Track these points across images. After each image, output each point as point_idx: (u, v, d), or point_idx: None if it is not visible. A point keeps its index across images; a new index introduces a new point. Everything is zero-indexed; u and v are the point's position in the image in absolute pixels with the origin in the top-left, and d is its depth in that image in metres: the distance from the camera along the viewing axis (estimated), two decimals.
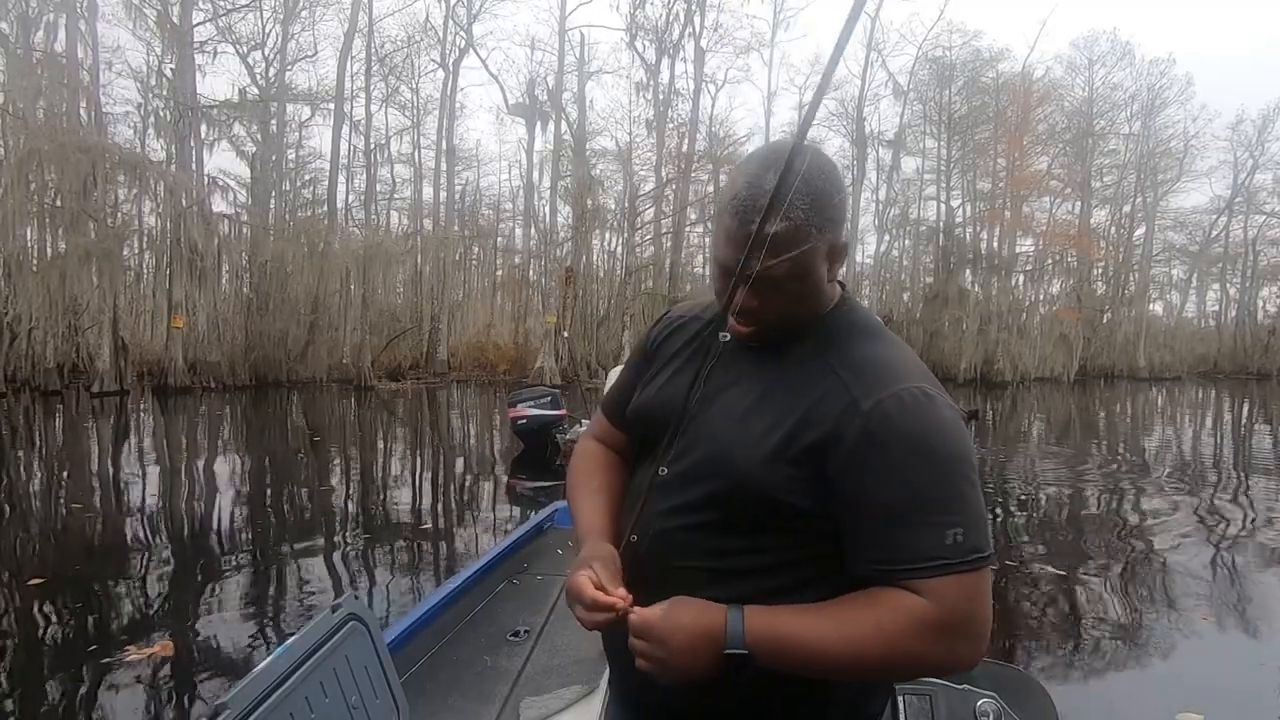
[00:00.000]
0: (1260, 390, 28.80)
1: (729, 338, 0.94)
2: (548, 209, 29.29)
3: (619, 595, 0.88)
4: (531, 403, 9.21)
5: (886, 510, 0.82)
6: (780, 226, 0.83)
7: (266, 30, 25.09)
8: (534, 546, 3.09)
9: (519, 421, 9.15)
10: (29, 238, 16.96)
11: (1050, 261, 33.01)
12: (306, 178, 28.29)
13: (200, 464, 9.23)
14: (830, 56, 0.83)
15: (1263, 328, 39.13)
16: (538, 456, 8.98)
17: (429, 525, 6.45)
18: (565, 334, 24.46)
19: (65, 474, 8.50)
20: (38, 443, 10.75)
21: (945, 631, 0.80)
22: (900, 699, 1.38)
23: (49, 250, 17.27)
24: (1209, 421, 17.98)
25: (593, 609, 0.88)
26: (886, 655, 0.81)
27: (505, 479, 8.55)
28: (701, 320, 1.06)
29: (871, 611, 0.81)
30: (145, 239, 19.68)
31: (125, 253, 18.71)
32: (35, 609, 4.19)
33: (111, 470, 8.69)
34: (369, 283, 22.51)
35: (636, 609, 0.86)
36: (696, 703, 0.92)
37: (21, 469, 8.62)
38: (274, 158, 24.86)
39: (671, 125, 28.47)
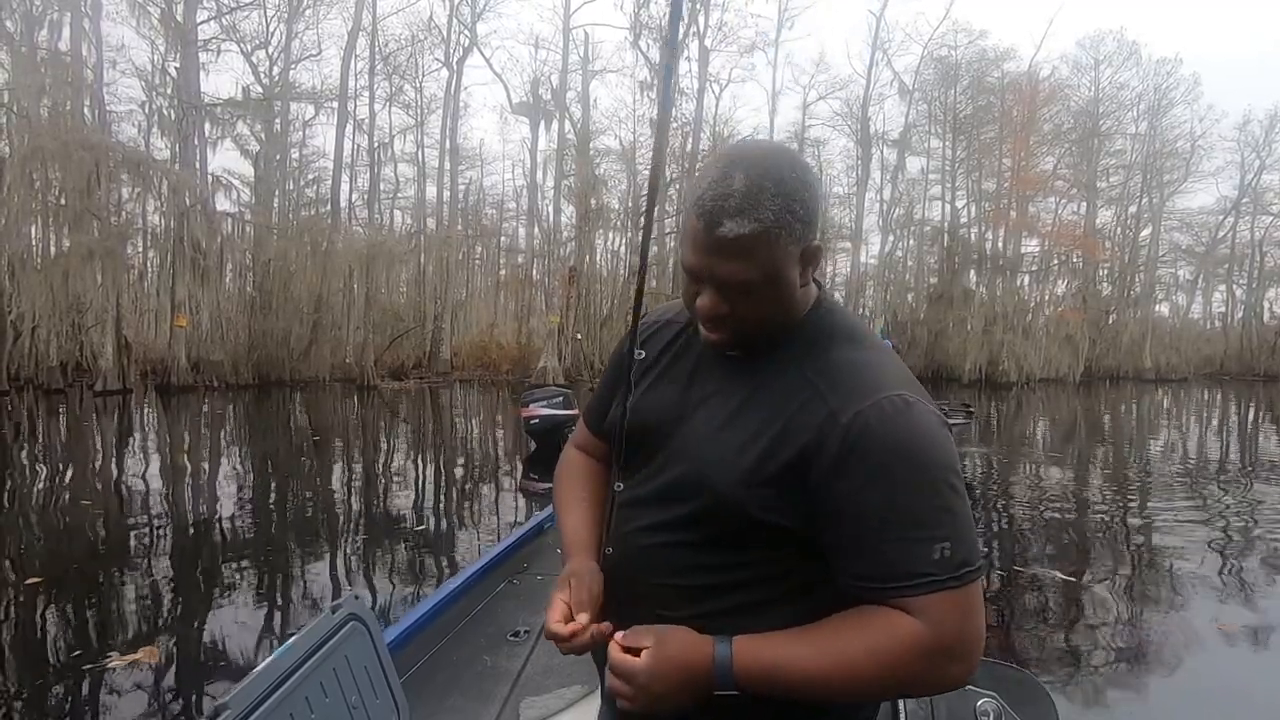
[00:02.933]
0: (1267, 392, 28.68)
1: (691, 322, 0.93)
2: (551, 208, 29.35)
3: (580, 625, 0.88)
4: (544, 403, 9.27)
5: (870, 525, 0.79)
6: (747, 229, 0.79)
7: (270, 29, 25.20)
8: (534, 546, 3.07)
9: (531, 421, 9.19)
10: (33, 236, 17.01)
11: (1055, 262, 32.94)
12: (310, 177, 28.43)
13: (202, 463, 9.24)
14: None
15: (1269, 329, 39.02)
16: (550, 456, 8.99)
17: (430, 525, 6.44)
18: (579, 336, 24.46)
19: (67, 472, 8.51)
20: (40, 441, 10.77)
21: (940, 652, 0.77)
22: (900, 699, 1.38)
23: (52, 249, 17.32)
24: (1216, 423, 17.92)
25: (555, 639, 0.88)
26: (881, 679, 0.79)
27: (509, 479, 8.56)
28: (678, 325, 1.03)
29: (864, 636, 0.79)
30: (149, 238, 19.65)
31: (129, 251, 18.70)
32: (32, 608, 4.18)
33: (113, 469, 8.70)
34: (372, 282, 22.54)
35: (617, 645, 0.83)
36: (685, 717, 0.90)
37: (24, 467, 8.63)
38: (278, 156, 24.92)
39: (675, 124, 28.47)
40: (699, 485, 0.87)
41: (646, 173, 28.83)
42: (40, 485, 7.73)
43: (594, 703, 1.88)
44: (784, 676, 0.79)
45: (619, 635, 0.84)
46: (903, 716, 1.35)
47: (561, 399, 9.34)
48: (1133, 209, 36.22)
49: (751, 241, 0.80)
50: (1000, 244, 33.05)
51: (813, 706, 0.87)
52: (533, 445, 9.57)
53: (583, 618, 0.88)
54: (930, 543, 0.77)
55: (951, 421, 9.54)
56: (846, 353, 0.88)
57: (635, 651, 0.82)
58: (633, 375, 1.04)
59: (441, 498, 7.77)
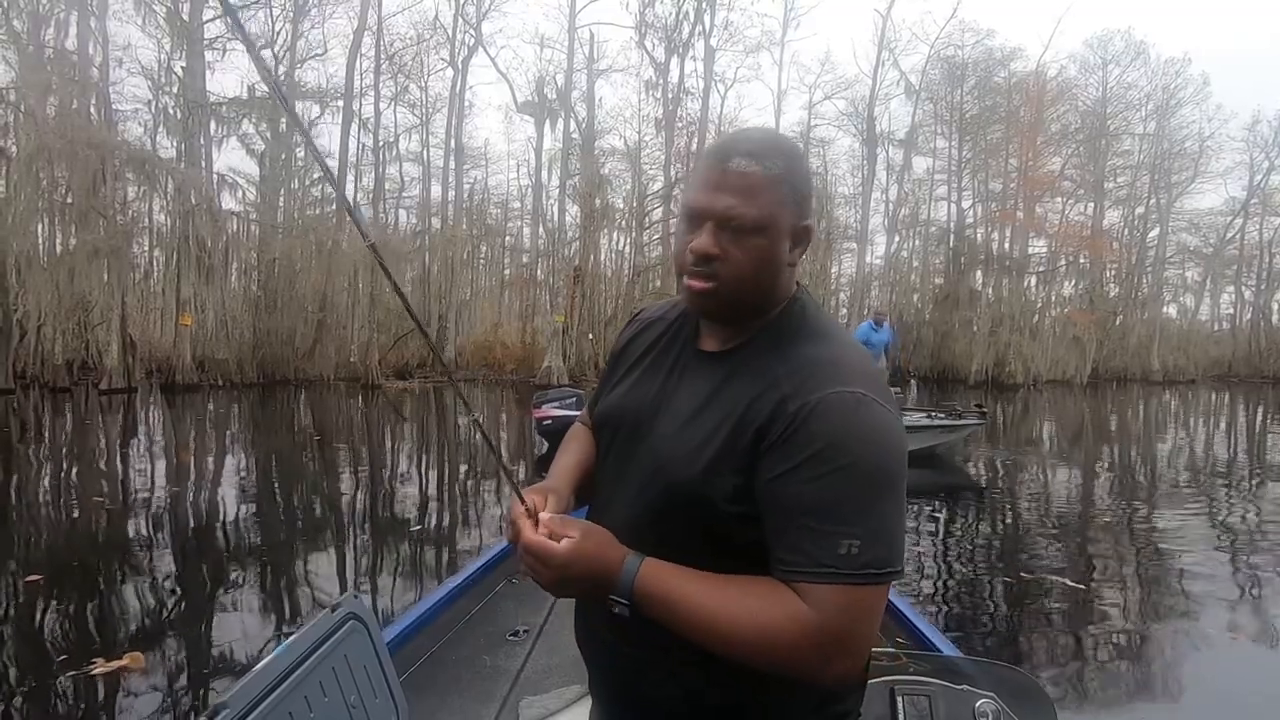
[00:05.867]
0: (1276, 394, 28.51)
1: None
2: (556, 208, 29.32)
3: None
4: (557, 403, 9.34)
5: (790, 512, 0.81)
6: (756, 168, 0.86)
7: (276, 28, 25.22)
8: None
9: (544, 422, 9.23)
10: (39, 234, 17.04)
11: (1062, 263, 32.73)
12: (315, 176, 28.34)
13: (206, 461, 9.26)
14: None
15: (1278, 331, 38.77)
16: None
17: (431, 524, 6.45)
18: (590, 336, 24.40)
19: (72, 470, 8.53)
20: (45, 438, 10.81)
21: (818, 639, 0.78)
22: (899, 699, 1.37)
23: (58, 247, 17.34)
24: (1224, 426, 17.82)
25: (512, 528, 0.91)
26: (756, 644, 0.80)
27: (521, 479, 8.55)
28: (667, 321, 1.06)
29: (754, 599, 0.81)
30: (154, 236, 19.71)
31: (134, 250, 18.77)
32: (32, 606, 4.17)
33: (118, 467, 8.72)
34: (377, 281, 22.52)
35: (543, 524, 0.85)
36: (670, 695, 0.92)
37: (29, 465, 8.66)
38: (283, 155, 24.94)
39: (680, 124, 28.43)
40: (665, 481, 0.90)
41: (651, 172, 28.87)
42: (45, 482, 7.75)
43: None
44: (674, 606, 0.82)
45: (545, 517, 0.86)
46: (901, 716, 1.35)
47: (574, 400, 9.40)
48: (1140, 210, 36.01)
49: (757, 181, 0.86)
50: (1007, 245, 32.88)
51: (787, 699, 0.89)
52: (544, 446, 9.59)
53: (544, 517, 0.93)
54: (838, 537, 0.79)
55: (964, 423, 9.51)
56: (811, 349, 0.90)
57: (557, 538, 0.84)
58: (618, 371, 1.09)
59: (444, 497, 7.77)
